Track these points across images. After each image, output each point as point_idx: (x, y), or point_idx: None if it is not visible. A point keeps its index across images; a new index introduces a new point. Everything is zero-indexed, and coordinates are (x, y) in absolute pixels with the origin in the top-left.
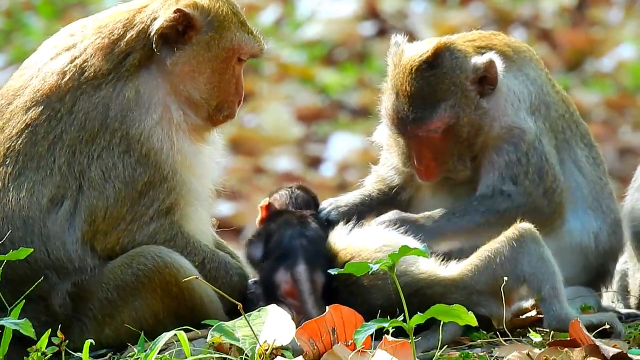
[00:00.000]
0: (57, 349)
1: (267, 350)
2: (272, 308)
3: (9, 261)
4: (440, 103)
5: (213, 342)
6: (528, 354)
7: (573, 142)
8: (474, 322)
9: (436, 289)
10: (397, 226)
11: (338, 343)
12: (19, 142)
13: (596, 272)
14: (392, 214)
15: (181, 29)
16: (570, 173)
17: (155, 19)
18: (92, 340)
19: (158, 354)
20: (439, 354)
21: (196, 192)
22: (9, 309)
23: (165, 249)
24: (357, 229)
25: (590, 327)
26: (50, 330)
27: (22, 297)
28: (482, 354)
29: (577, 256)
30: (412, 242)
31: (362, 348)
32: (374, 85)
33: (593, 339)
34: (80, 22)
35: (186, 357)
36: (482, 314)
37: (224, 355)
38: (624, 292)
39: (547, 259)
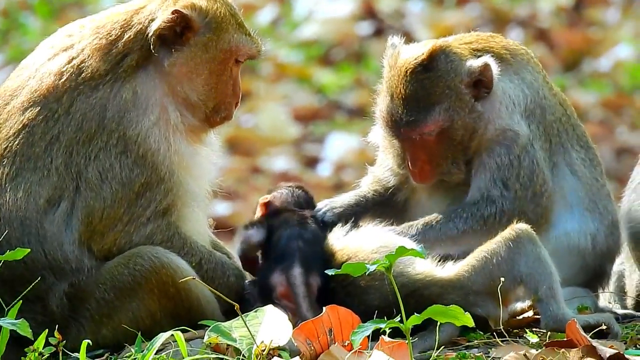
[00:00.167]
0: (55, 349)
1: (264, 350)
2: (269, 308)
3: (6, 262)
4: (435, 106)
5: (210, 343)
6: (525, 355)
7: (569, 145)
8: (470, 323)
9: (433, 290)
10: None
11: (335, 344)
12: (16, 142)
13: (593, 273)
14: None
15: (179, 30)
16: (564, 176)
17: (153, 20)
18: (89, 341)
19: (155, 354)
20: (435, 354)
21: (193, 193)
22: (6, 309)
23: (162, 249)
24: (353, 230)
25: (587, 328)
26: (47, 330)
27: (19, 297)
28: (479, 354)
29: (575, 257)
30: (409, 243)
31: (359, 349)
32: (371, 86)
33: (590, 339)
34: (78, 23)
35: (183, 358)
36: (479, 315)
37: (221, 356)
38: (621, 292)
39: (544, 259)
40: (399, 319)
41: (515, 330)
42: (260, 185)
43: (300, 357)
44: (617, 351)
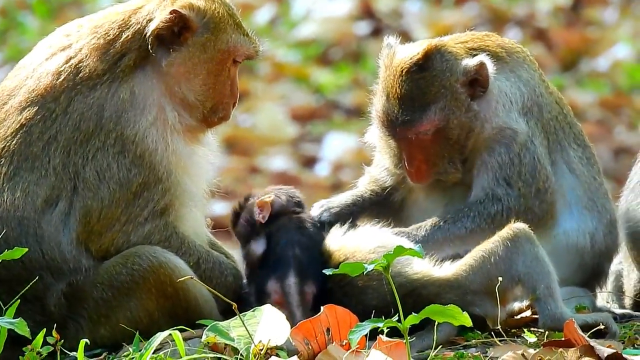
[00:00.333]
0: (53, 348)
1: (261, 350)
2: (267, 308)
3: (3, 261)
4: (430, 105)
5: (208, 342)
6: (523, 354)
7: (566, 143)
8: (468, 323)
9: (431, 289)
10: None
11: (332, 343)
12: (14, 142)
13: (591, 273)
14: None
15: (177, 30)
16: (562, 174)
17: (151, 20)
18: (87, 340)
19: (153, 353)
20: (433, 354)
21: (191, 193)
22: (4, 308)
23: (160, 249)
24: (351, 230)
25: (585, 327)
26: (45, 330)
27: (17, 297)
28: (476, 354)
29: (573, 257)
30: (407, 242)
31: (357, 348)
32: (368, 85)
33: (588, 339)
34: (76, 22)
35: (181, 357)
36: (477, 314)
37: (219, 355)
38: (619, 292)
39: (542, 258)
40: (397, 318)
41: (513, 330)
42: (258, 184)
43: (298, 357)
44: (615, 351)
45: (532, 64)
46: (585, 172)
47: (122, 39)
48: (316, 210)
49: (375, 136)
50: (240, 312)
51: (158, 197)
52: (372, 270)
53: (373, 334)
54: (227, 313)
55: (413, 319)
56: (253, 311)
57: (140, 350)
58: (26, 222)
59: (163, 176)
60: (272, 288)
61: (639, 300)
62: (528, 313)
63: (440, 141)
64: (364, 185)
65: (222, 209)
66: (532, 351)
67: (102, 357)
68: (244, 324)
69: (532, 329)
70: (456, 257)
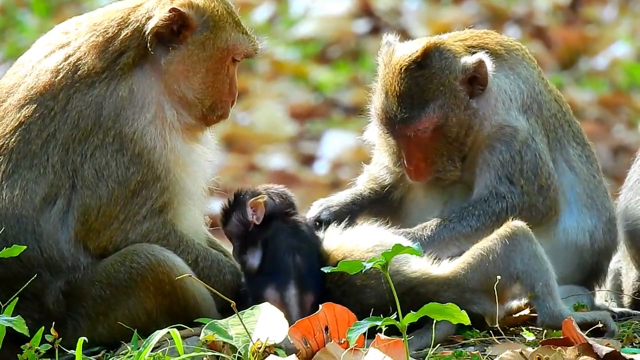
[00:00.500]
0: (51, 346)
1: (260, 348)
2: (265, 306)
3: (2, 259)
4: (429, 103)
5: (206, 340)
6: (521, 353)
7: (565, 141)
8: (466, 321)
9: (429, 288)
10: None
11: (331, 341)
12: (13, 140)
13: (590, 271)
14: None
15: (176, 29)
16: (562, 172)
17: (150, 18)
18: (85, 338)
19: (151, 351)
20: (431, 352)
21: (189, 191)
22: (3, 306)
23: (158, 247)
24: (349, 228)
25: (584, 325)
26: (43, 328)
27: (16, 295)
28: (475, 352)
29: (572, 255)
30: (405, 241)
31: (355, 346)
32: (367, 83)
33: (586, 337)
34: (75, 20)
35: (179, 355)
36: (475, 312)
37: (217, 353)
38: (618, 291)
39: (540, 256)
40: (395, 316)
41: (511, 328)
42: (257, 183)
43: (297, 355)
44: (613, 349)
45: (531, 62)
46: (585, 170)
47: (121, 37)
48: (315, 209)
49: (374, 134)
50: (239, 310)
51: (156, 195)
52: (370, 268)
53: (371, 333)
54: (225, 311)
55: (411, 317)
56: (251, 309)
57: (138, 348)
58: (24, 220)
59: (161, 174)
60: (271, 296)
61: (637, 299)
62: (526, 311)
63: (439, 139)
64: (362, 184)
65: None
66: (530, 349)
67: (100, 355)
68: (242, 322)
69: (530, 327)
70: (454, 254)
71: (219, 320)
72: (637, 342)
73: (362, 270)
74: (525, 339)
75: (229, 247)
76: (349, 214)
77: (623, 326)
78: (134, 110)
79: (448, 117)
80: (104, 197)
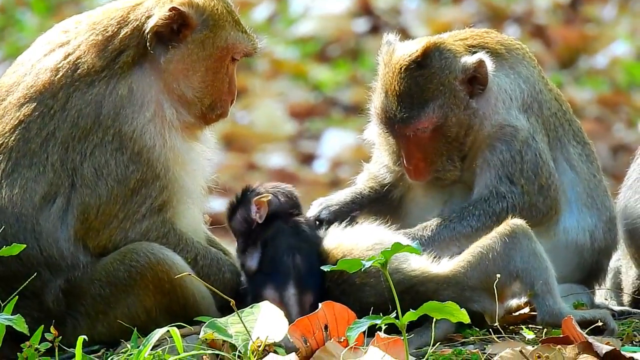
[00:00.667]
0: (51, 345)
1: (259, 346)
2: (265, 305)
3: (1, 258)
4: (429, 103)
5: (206, 339)
6: (521, 351)
7: (565, 140)
8: (466, 319)
9: (429, 286)
10: None
11: (330, 340)
12: (12, 138)
13: (590, 270)
14: None
15: (176, 28)
16: (563, 171)
17: (149, 16)
18: (85, 337)
19: (151, 350)
20: (431, 351)
21: (188, 190)
22: (2, 305)
23: (157, 245)
24: (348, 227)
25: (583, 323)
26: (43, 326)
27: (15, 293)
28: (474, 351)
29: (572, 254)
30: (404, 239)
31: (355, 345)
32: (367, 82)
33: (586, 336)
34: (74, 19)
35: (179, 354)
36: (475, 311)
37: (217, 352)
38: (617, 289)
39: (540, 254)
40: (395, 315)
41: (511, 327)
42: (257, 182)
43: (296, 354)
44: (613, 348)
45: (532, 61)
46: (585, 169)
47: (120, 36)
48: (315, 208)
49: (374, 133)
50: (238, 309)
51: (156, 193)
52: (369, 267)
53: (371, 331)
54: (225, 309)
55: (411, 315)
56: (251, 308)
57: (138, 347)
58: (24, 219)
59: (161, 173)
60: (270, 296)
61: (637, 297)
62: (526, 310)
63: (438, 139)
64: (362, 183)
65: (220, 205)
66: (530, 348)
67: (100, 353)
68: (241, 320)
69: (530, 325)
70: (454, 254)
71: (218, 319)
72: (637, 340)
73: (361, 269)
74: (525, 337)
75: (228, 246)
76: (348, 213)
77: (623, 324)
78: (133, 109)
79: (448, 116)
80: (103, 195)
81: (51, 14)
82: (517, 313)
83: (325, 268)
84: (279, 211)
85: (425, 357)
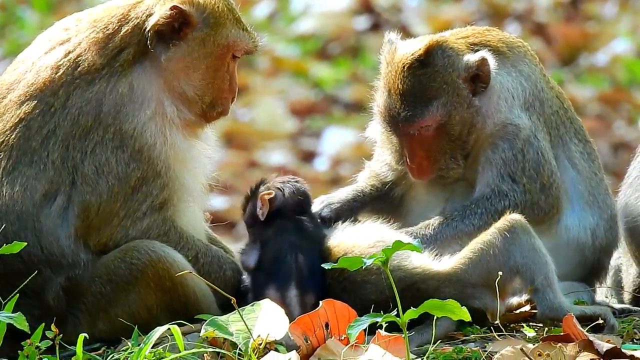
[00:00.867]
0: (52, 343)
1: (260, 344)
2: (266, 303)
3: (2, 256)
4: (432, 101)
5: (207, 337)
6: (521, 349)
7: (567, 138)
8: (467, 317)
9: (430, 284)
10: None
11: (331, 338)
12: (13, 136)
13: (591, 268)
14: None
15: (177, 26)
16: (564, 169)
17: (150, 15)
18: (86, 335)
19: (152, 348)
20: (432, 348)
21: (189, 188)
22: (3, 303)
23: (158, 243)
24: (350, 225)
25: (583, 319)
26: (44, 324)
27: (16, 291)
28: (475, 349)
29: (573, 252)
30: (405, 237)
31: (356, 343)
32: (367, 80)
33: (587, 334)
34: (75, 16)
35: (180, 351)
36: (477, 307)
37: (218, 350)
38: (618, 287)
39: (539, 249)
40: (396, 313)
41: (512, 325)
42: (257, 179)
43: (297, 351)
44: (614, 345)
45: (533, 59)
46: (587, 168)
47: (121, 34)
48: (316, 206)
49: (377, 132)
50: (239, 307)
51: (156, 191)
52: (371, 264)
53: (372, 329)
54: (225, 307)
55: (412, 313)
56: (252, 306)
57: (139, 345)
58: (25, 217)
59: (161, 171)
60: (272, 297)
61: (637, 295)
62: (527, 308)
63: (442, 137)
64: (364, 180)
65: (221, 203)
66: (531, 346)
67: (100, 351)
68: (242, 318)
69: (531, 323)
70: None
71: (219, 317)
72: (638, 338)
73: (362, 267)
74: (526, 335)
75: (229, 243)
76: (350, 211)
77: (623, 322)
78: (133, 107)
79: (451, 115)
80: (104, 193)
81: (52, 11)
82: (518, 311)
83: (326, 266)
84: (284, 208)
85: (426, 355)
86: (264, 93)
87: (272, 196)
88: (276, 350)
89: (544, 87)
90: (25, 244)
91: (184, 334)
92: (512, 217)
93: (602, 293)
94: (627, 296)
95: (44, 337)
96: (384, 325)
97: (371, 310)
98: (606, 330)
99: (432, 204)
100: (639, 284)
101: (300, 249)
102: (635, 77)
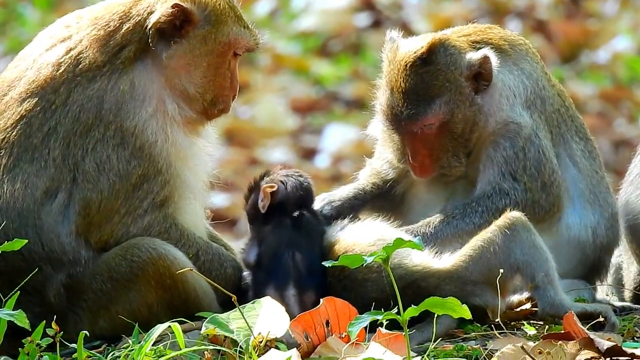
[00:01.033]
0: (52, 340)
1: (261, 342)
2: (266, 300)
3: (3, 253)
4: (435, 99)
5: (207, 334)
6: (522, 347)
7: (568, 136)
8: (467, 315)
9: (430, 281)
10: None
11: (332, 335)
12: (14, 133)
13: (592, 266)
14: None
15: (178, 24)
16: (565, 167)
17: (152, 12)
18: (86, 332)
19: (152, 345)
20: (433, 346)
21: (190, 185)
22: (4, 300)
23: (159, 241)
24: (351, 223)
25: (584, 316)
26: (45, 321)
27: (17, 288)
28: (476, 346)
29: (575, 250)
30: (406, 235)
31: (356, 340)
32: (368, 77)
33: (587, 331)
34: (76, 14)
35: (180, 349)
36: (478, 305)
37: (218, 347)
38: (619, 285)
39: (540, 246)
40: (396, 310)
41: (512, 323)
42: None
43: (298, 349)
44: (614, 343)
45: (535, 57)
46: (588, 166)
47: (122, 31)
48: (317, 203)
49: (379, 130)
50: (240, 304)
51: (157, 189)
52: (371, 262)
53: (372, 327)
54: (226, 305)
55: (412, 311)
56: (252, 303)
57: (139, 342)
58: (26, 214)
59: (162, 168)
60: (271, 295)
61: (638, 293)
62: (528, 306)
63: (444, 135)
64: (365, 178)
65: (222, 201)
66: (531, 344)
67: (101, 349)
68: (243, 316)
69: (531, 321)
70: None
71: (220, 314)
72: (638, 336)
73: (363, 264)
74: (527, 333)
75: (230, 241)
76: (351, 209)
77: (624, 320)
78: (135, 104)
79: (454, 113)
80: (105, 190)
81: (53, 8)
82: (518, 309)
83: (326, 264)
84: (285, 202)
85: (427, 352)
86: (264, 90)
87: (274, 189)
88: (277, 347)
89: (546, 85)
90: (26, 241)
91: (184, 331)
92: (513, 215)
93: (603, 291)
94: (627, 294)
95: (44, 335)
96: (385, 323)
97: (372, 308)
98: (607, 328)
99: (433, 202)
100: None
101: (298, 247)
102: (636, 75)
